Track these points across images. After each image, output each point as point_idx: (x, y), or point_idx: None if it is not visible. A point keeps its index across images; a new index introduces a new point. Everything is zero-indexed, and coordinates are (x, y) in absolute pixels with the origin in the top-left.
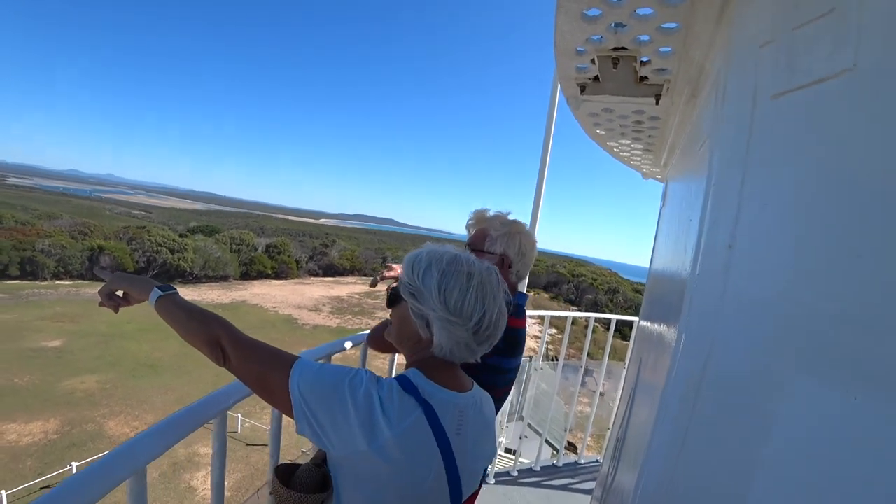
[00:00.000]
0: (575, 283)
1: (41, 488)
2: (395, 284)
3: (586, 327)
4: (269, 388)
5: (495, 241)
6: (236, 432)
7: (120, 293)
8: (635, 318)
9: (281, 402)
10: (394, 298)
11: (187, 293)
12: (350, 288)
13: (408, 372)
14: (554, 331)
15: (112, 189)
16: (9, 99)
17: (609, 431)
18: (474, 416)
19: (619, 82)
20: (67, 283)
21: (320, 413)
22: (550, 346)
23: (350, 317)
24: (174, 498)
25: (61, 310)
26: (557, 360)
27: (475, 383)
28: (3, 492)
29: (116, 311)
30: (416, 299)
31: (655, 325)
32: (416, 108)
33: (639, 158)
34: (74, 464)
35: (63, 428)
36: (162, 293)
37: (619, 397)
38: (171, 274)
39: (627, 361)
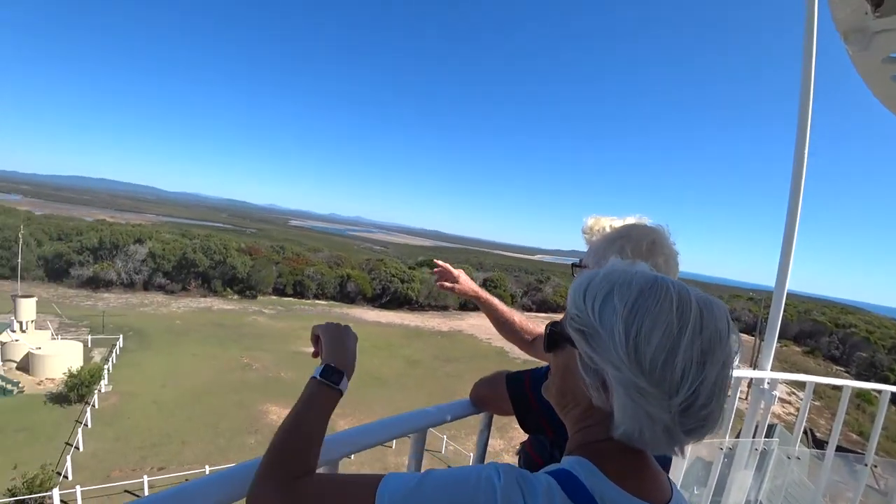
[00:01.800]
0: (840, 335)
1: None
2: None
3: (861, 397)
4: None
5: (589, 253)
6: (440, 452)
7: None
8: None
9: None
10: (555, 338)
11: (413, 319)
12: None
13: (572, 462)
14: (798, 393)
15: (360, 228)
16: (289, 158)
17: None
18: None
19: None
20: (323, 302)
21: None
22: (789, 415)
23: None
24: None
25: (318, 323)
26: (811, 435)
27: (673, 483)
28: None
29: (315, 355)
30: (587, 342)
31: None
32: (642, 142)
33: None
34: None
35: None
36: (319, 377)
37: None
38: (399, 301)
39: None
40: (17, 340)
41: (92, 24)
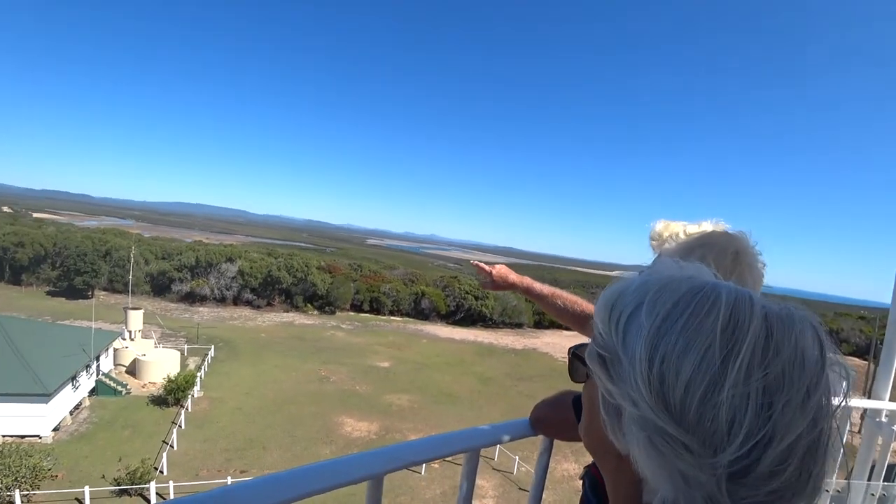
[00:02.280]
0: None
1: None
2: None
3: None
4: None
5: None
6: (512, 473)
7: None
8: None
9: None
10: (574, 366)
11: (486, 336)
12: None
13: None
14: None
15: (434, 246)
16: (365, 178)
17: None
18: None
19: None
20: (398, 318)
21: None
22: None
23: None
24: None
25: (393, 339)
26: None
27: None
28: None
29: None
30: (606, 370)
31: None
32: (730, 147)
33: None
34: None
35: (380, 431)
36: None
37: None
38: (473, 317)
39: None
40: (126, 347)
41: (185, 62)
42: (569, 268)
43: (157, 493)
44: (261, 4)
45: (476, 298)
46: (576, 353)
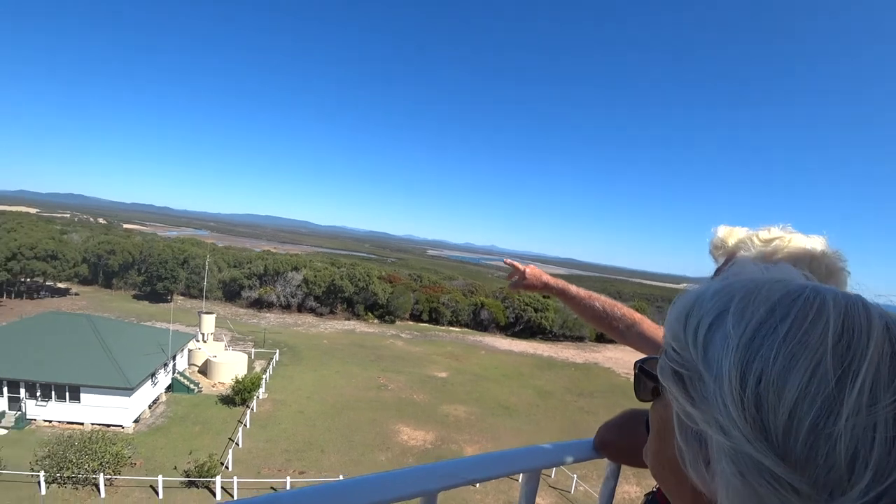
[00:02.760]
0: None
1: None
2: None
3: None
4: None
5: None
6: (569, 492)
7: None
8: None
9: None
10: (642, 383)
11: (545, 348)
12: None
13: None
14: None
15: (494, 257)
16: (425, 191)
17: None
18: None
19: None
20: (457, 329)
21: None
22: None
23: None
24: None
25: (451, 349)
26: None
27: None
28: None
29: None
30: (684, 390)
31: None
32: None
33: None
34: None
35: (436, 441)
36: None
37: None
38: (533, 329)
39: None
40: (199, 349)
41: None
42: (633, 280)
43: (221, 488)
44: (336, 29)
45: (536, 310)
46: (643, 368)
